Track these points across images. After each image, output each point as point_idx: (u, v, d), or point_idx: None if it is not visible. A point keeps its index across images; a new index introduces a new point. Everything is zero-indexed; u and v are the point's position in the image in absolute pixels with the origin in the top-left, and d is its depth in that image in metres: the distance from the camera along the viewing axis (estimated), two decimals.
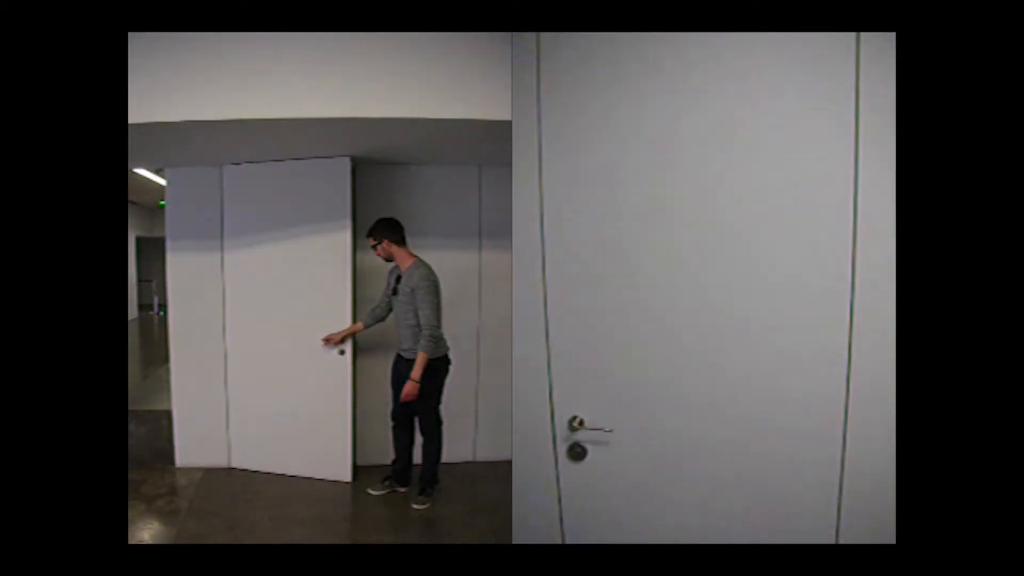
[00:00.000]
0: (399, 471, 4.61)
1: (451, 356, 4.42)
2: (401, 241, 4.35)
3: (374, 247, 4.38)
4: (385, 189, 4.96)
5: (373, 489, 4.60)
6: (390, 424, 4.57)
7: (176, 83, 3.15)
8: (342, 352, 4.80)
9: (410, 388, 4.18)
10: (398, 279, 4.37)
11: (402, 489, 4.60)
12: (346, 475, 4.88)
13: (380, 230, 4.34)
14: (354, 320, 4.79)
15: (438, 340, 4.27)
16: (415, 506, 4.38)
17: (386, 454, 4.86)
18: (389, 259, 4.40)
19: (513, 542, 2.47)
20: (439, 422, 4.44)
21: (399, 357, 4.43)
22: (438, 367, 4.32)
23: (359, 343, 4.98)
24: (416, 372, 4.16)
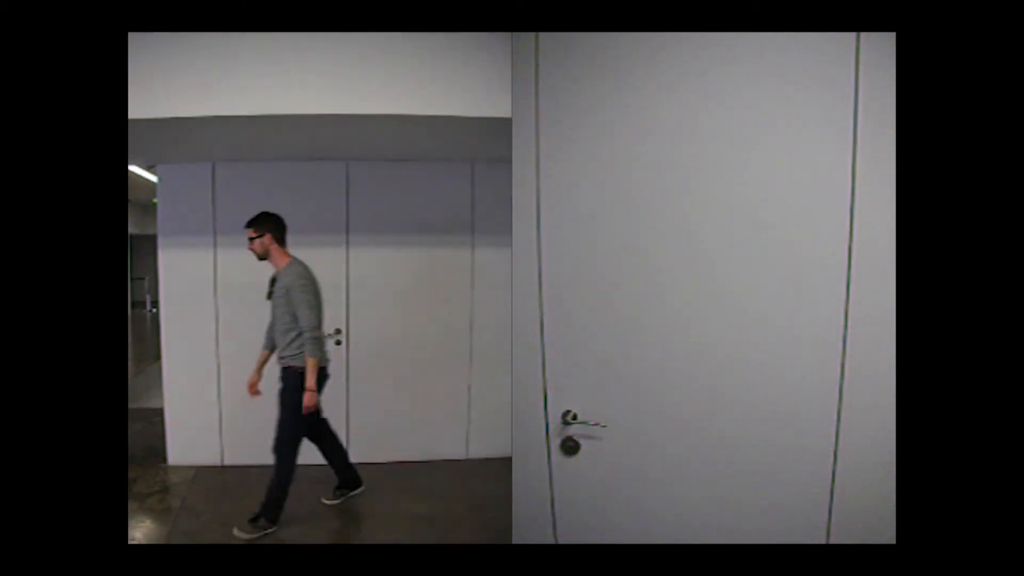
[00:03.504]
0: (344, 476, 4.31)
1: (330, 370, 4.06)
2: (281, 240, 3.94)
3: (252, 239, 3.92)
4: (377, 185, 4.95)
5: (327, 499, 4.32)
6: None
7: (168, 79, 3.12)
8: (339, 343, 4.89)
9: (308, 399, 3.78)
10: (273, 281, 3.98)
11: (356, 492, 4.33)
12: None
13: (264, 222, 3.92)
14: (347, 317, 4.84)
15: (321, 343, 3.92)
16: (236, 532, 3.82)
17: (376, 450, 4.88)
18: (263, 257, 3.94)
19: (513, 539, 2.47)
20: (295, 444, 3.91)
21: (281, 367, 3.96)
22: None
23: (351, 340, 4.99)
24: (310, 380, 3.77)
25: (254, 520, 3.84)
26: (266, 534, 3.82)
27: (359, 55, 3.17)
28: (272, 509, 3.88)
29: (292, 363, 3.85)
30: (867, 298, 2.08)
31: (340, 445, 4.31)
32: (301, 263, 3.93)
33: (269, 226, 3.91)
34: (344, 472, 4.30)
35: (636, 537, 2.36)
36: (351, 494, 4.33)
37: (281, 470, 3.88)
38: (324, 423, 4.18)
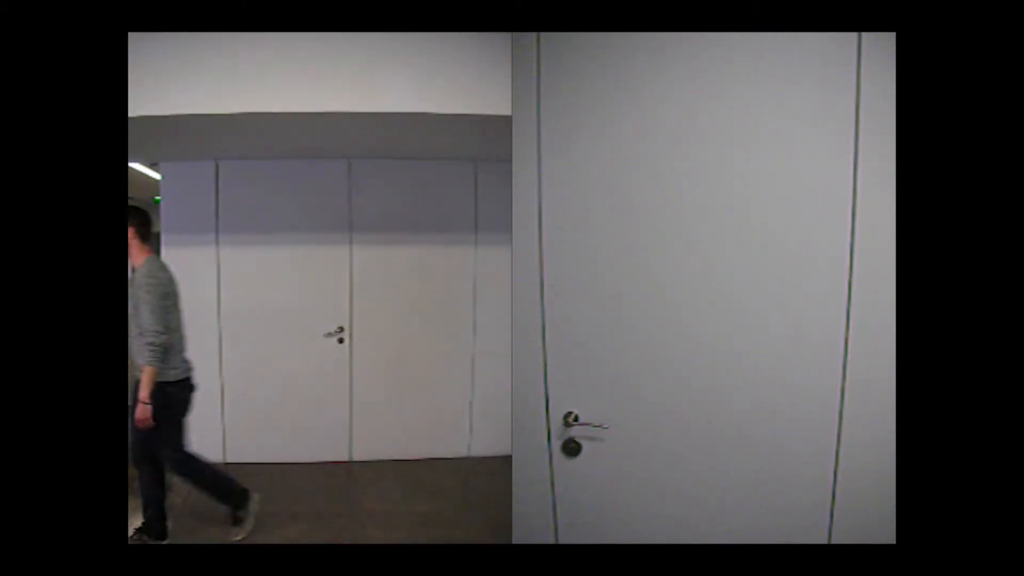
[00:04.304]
0: (150, 520, 3.62)
1: (195, 381, 3.59)
2: (145, 236, 3.50)
3: None
4: (380, 183, 4.96)
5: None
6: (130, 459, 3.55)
7: (170, 76, 3.13)
8: (341, 341, 4.92)
9: (140, 412, 3.27)
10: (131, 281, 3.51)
11: (156, 542, 3.64)
12: (344, 455, 5.02)
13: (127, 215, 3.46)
14: (350, 315, 4.84)
15: (166, 351, 3.35)
16: (233, 537, 3.73)
17: (377, 448, 4.86)
18: None
19: (512, 540, 2.47)
20: (187, 453, 3.58)
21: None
22: (172, 395, 3.42)
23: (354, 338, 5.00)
24: (143, 391, 3.26)
25: (235, 519, 3.80)
26: (253, 516, 3.76)
27: (361, 54, 3.16)
28: (231, 498, 3.75)
29: None
30: (869, 299, 2.08)
31: (162, 485, 3.66)
32: (156, 261, 3.54)
33: (131, 220, 3.48)
34: (153, 515, 3.64)
35: (638, 538, 2.35)
36: (150, 542, 3.62)
37: (199, 477, 3.69)
38: (156, 453, 3.56)
